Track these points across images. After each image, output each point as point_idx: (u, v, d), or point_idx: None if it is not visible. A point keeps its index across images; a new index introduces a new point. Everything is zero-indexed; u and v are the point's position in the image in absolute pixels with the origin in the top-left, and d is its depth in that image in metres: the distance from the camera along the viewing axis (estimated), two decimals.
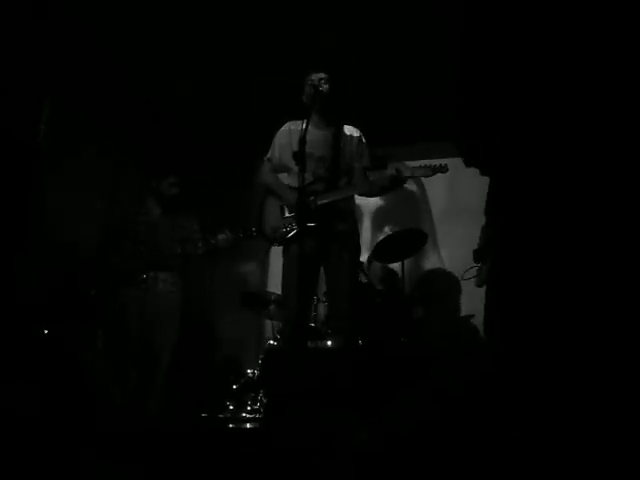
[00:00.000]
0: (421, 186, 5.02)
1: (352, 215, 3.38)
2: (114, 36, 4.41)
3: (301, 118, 3.08)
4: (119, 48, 4.54)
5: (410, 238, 4.84)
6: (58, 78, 4.31)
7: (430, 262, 5.55)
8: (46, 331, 3.65)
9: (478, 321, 3.86)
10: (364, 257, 4.72)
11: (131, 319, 3.78)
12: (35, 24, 4.04)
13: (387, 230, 5.73)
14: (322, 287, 3.52)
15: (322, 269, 3.27)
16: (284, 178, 3.38)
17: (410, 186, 3.10)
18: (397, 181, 3.18)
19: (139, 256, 3.86)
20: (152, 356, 3.81)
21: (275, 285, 5.08)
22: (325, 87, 3.24)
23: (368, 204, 5.88)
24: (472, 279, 3.76)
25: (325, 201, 3.17)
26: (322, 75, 3.27)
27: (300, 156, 2.85)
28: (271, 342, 4.76)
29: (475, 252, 3.83)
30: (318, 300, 4.54)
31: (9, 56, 3.90)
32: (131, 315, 3.79)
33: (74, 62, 4.40)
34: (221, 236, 3.88)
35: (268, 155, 3.44)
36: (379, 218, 5.97)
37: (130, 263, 3.86)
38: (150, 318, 3.78)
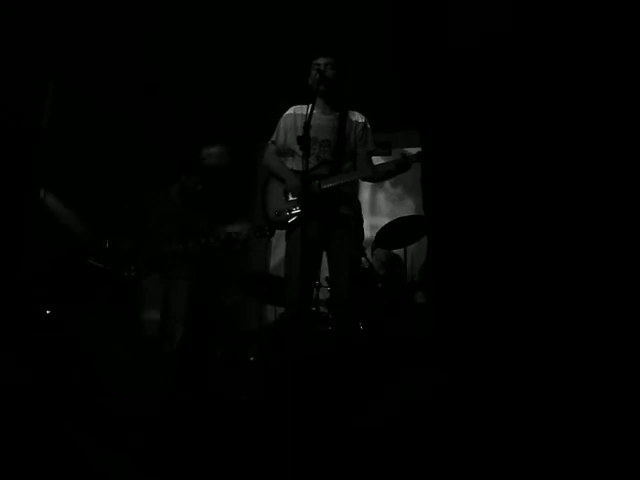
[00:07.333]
0: None
1: (356, 200, 3.38)
2: (119, 20, 4.38)
3: (306, 102, 3.06)
4: (124, 31, 4.52)
5: (414, 224, 4.83)
6: (61, 62, 4.29)
7: None
8: (48, 312, 3.66)
9: None
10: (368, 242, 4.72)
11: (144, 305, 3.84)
12: (38, 8, 4.01)
13: (391, 216, 5.72)
14: (324, 271, 3.53)
15: (325, 253, 3.28)
16: (288, 162, 3.38)
17: (415, 172, 3.06)
18: (402, 166, 3.17)
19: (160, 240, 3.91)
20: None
21: (277, 269, 5.09)
22: (331, 72, 3.22)
23: (373, 189, 5.88)
24: None
25: (329, 185, 3.16)
26: (328, 60, 3.25)
27: (304, 140, 2.84)
28: (273, 326, 4.77)
29: None
30: (320, 284, 4.55)
31: (12, 41, 3.89)
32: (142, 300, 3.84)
33: (78, 46, 4.38)
34: (234, 231, 3.89)
35: (273, 138, 3.43)
36: (384, 204, 5.97)
37: (155, 246, 3.91)
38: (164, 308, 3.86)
